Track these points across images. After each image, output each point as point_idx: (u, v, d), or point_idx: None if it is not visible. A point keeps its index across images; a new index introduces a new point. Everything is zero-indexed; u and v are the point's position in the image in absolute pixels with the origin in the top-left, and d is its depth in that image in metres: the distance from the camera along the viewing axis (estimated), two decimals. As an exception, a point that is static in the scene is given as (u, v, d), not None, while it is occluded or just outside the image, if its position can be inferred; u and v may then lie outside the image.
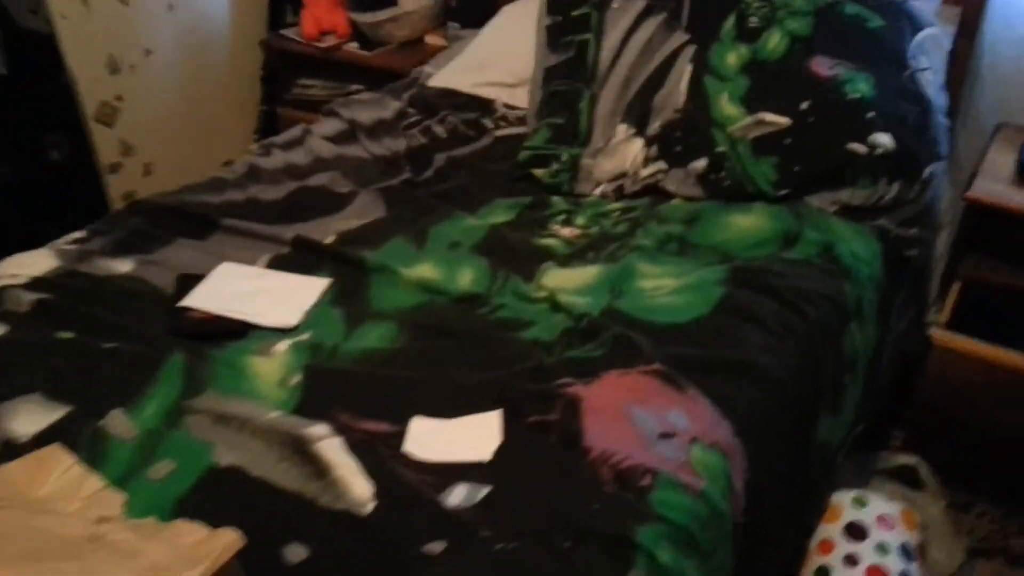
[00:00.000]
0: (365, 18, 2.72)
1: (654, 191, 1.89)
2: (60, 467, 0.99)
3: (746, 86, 1.89)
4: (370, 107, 2.18)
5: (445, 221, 1.74)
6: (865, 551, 1.53)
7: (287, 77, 2.87)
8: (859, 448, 1.78)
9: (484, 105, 2.19)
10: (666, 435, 1.23)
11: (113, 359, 1.33)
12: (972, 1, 2.06)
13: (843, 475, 1.73)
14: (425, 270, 1.58)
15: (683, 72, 1.94)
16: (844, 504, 1.63)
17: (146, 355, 1.33)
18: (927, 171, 1.79)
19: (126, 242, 1.62)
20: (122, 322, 1.40)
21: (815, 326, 1.51)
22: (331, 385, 1.31)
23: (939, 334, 1.86)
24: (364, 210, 1.78)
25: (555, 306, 1.50)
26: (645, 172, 1.90)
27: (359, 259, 1.59)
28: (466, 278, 1.57)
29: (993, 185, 1.91)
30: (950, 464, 1.89)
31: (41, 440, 1.15)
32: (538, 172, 1.93)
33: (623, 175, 1.91)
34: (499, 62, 2.27)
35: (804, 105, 1.82)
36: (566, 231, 1.75)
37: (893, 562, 1.53)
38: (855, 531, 1.58)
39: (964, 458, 1.90)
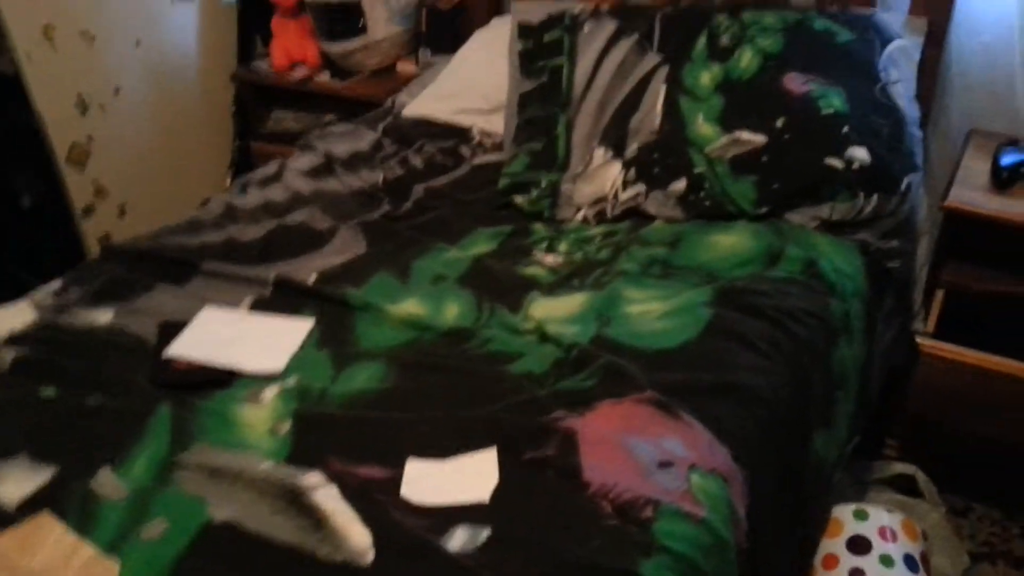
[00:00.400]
0: (335, 48, 2.71)
1: (635, 214, 1.89)
2: (51, 536, 0.97)
3: (721, 105, 1.90)
4: (345, 139, 2.16)
5: (428, 254, 1.73)
6: (869, 564, 1.54)
7: (259, 110, 2.85)
8: (855, 458, 1.79)
9: (460, 133, 2.19)
10: (664, 464, 1.22)
11: (98, 415, 1.30)
12: (938, 12, 2.08)
13: (841, 487, 1.73)
14: (411, 306, 1.57)
15: (658, 93, 1.95)
16: (845, 518, 1.63)
17: (132, 409, 1.31)
18: (904, 183, 1.81)
19: (105, 291, 1.59)
20: (105, 376, 1.38)
21: (803, 344, 1.51)
22: (322, 431, 1.29)
23: (926, 343, 1.87)
24: (345, 246, 1.76)
25: (543, 337, 1.49)
26: (625, 195, 1.90)
27: (343, 298, 1.57)
28: (452, 312, 1.56)
29: (969, 192, 1.93)
30: (946, 470, 1.90)
31: (29, 505, 1.13)
32: (518, 199, 1.93)
33: (603, 199, 1.91)
34: (473, 88, 2.27)
35: (779, 122, 1.84)
36: (549, 259, 1.74)
37: (899, 574, 1.53)
38: (858, 544, 1.58)
39: (959, 464, 1.91)
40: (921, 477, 1.89)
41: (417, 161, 2.08)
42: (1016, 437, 1.86)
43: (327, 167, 2.05)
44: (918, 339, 1.89)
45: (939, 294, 1.99)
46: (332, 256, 1.73)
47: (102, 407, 1.32)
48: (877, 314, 1.74)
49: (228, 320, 1.53)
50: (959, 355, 1.85)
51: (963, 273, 1.98)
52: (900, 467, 1.93)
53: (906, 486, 1.91)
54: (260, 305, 1.59)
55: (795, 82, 1.89)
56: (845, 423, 1.61)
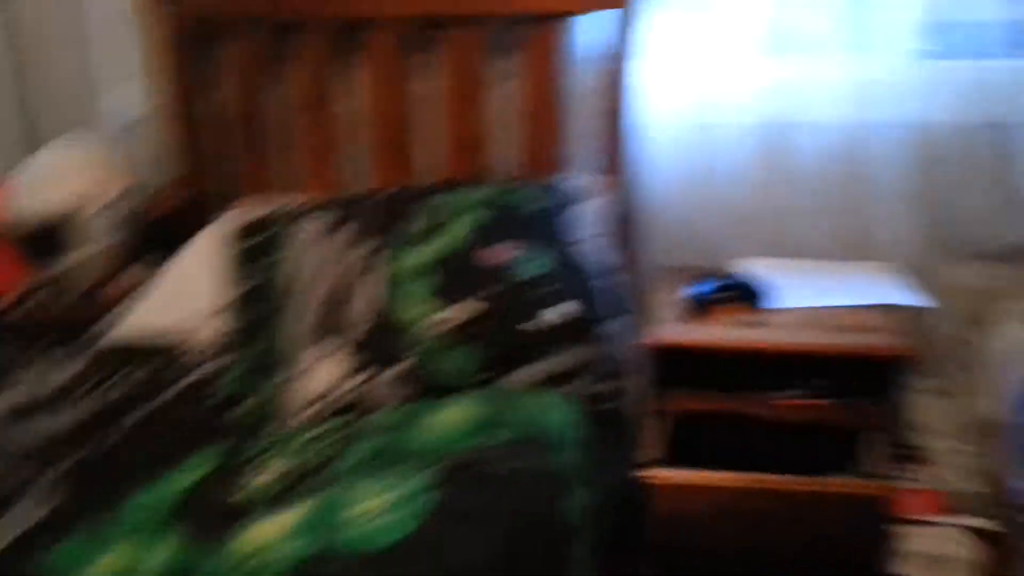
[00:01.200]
0: (43, 271, 2.55)
1: (361, 402, 1.87)
2: None
3: (433, 283, 1.96)
4: (41, 376, 1.99)
5: (135, 493, 1.59)
6: None
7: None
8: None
9: (171, 350, 2.08)
10: None
11: None
12: (618, 170, 2.30)
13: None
14: (111, 562, 1.41)
15: (372, 280, 1.99)
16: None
17: None
18: (608, 329, 1.92)
19: None
20: None
21: (532, 506, 1.52)
22: None
23: (656, 471, 1.93)
24: (39, 503, 1.58)
25: (263, 565, 1.39)
26: (348, 386, 1.88)
27: (29, 572, 1.40)
28: (160, 558, 1.42)
29: (670, 326, 2.08)
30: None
31: None
32: (237, 411, 1.84)
33: (326, 394, 1.88)
34: (185, 299, 2.19)
35: (487, 292, 1.91)
36: (268, 474, 1.66)
37: None
38: None
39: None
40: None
41: (123, 389, 1.94)
42: (767, 545, 1.93)
43: (18, 414, 1.86)
44: (649, 470, 1.94)
45: (663, 422, 2.09)
46: (22, 517, 1.54)
47: None
48: (603, 456, 1.79)
49: None
50: (690, 478, 1.91)
51: (684, 398, 2.10)
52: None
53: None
54: (-70, 597, 1.38)
55: (498, 252, 1.99)
56: (587, 574, 1.60)
